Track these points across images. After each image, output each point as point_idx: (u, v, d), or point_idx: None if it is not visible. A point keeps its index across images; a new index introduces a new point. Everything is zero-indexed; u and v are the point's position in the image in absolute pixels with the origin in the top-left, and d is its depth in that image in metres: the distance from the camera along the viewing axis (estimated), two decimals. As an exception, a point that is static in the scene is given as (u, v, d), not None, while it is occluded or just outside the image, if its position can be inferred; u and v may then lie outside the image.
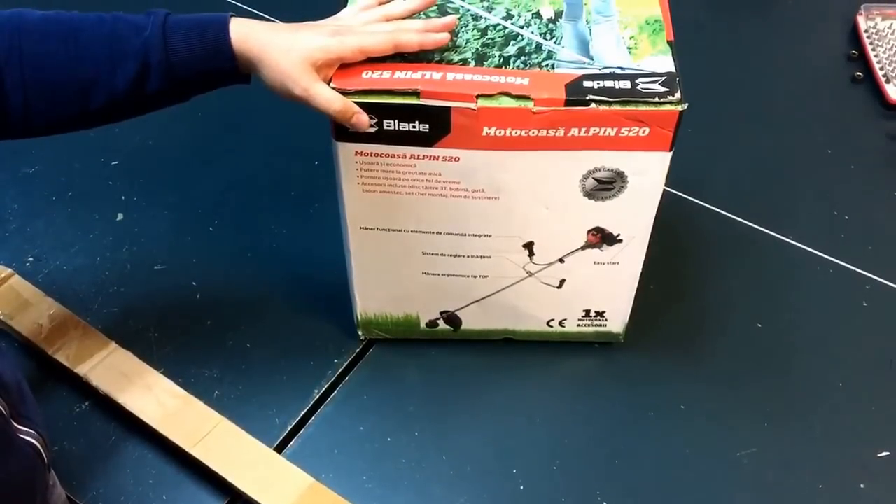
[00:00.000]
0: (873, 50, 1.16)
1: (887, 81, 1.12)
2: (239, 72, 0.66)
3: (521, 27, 0.70)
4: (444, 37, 0.67)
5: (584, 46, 0.68)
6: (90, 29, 0.64)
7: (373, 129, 0.66)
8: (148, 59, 0.64)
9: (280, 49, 0.64)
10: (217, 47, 0.64)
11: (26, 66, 0.62)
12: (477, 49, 0.68)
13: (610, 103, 0.64)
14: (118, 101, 0.65)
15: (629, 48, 0.68)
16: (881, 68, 1.14)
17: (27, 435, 0.61)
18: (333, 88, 0.65)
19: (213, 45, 0.64)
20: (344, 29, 0.67)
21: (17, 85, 0.62)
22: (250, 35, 0.65)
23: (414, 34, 0.67)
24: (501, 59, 0.67)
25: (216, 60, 0.65)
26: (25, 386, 0.65)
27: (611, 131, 0.66)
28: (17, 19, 0.63)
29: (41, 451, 0.62)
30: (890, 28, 1.18)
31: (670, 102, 0.64)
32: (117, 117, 0.67)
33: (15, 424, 0.60)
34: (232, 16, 0.66)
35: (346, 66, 0.66)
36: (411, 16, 0.70)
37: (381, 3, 0.71)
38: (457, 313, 0.83)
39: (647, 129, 0.65)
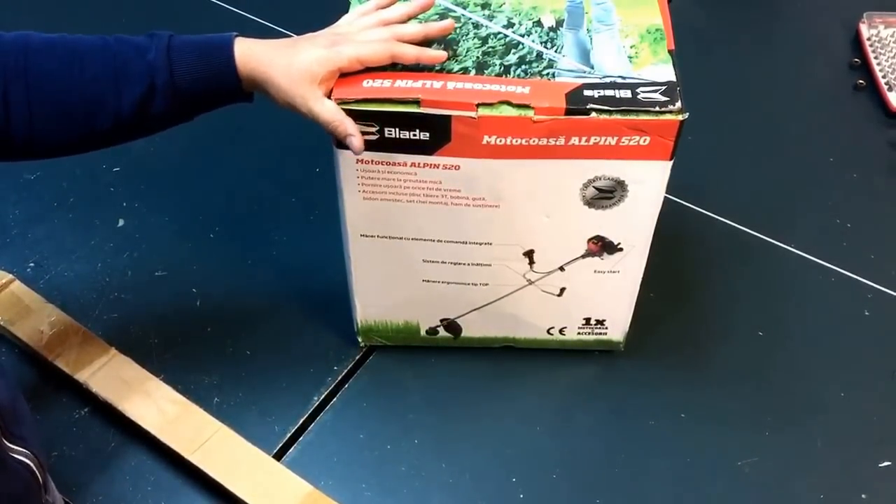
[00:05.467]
0: (876, 58, 1.16)
1: (890, 89, 1.12)
2: (243, 92, 0.67)
3: (522, 36, 0.70)
4: (441, 54, 0.67)
5: (584, 55, 0.68)
6: (95, 51, 0.64)
7: (373, 138, 0.66)
8: (153, 80, 0.64)
9: (281, 67, 0.64)
10: (222, 69, 0.65)
11: (32, 86, 0.62)
12: (477, 57, 0.68)
13: (610, 112, 0.64)
14: (123, 123, 0.65)
15: (630, 57, 0.68)
16: (883, 76, 1.14)
17: (20, 455, 0.60)
18: (335, 100, 0.65)
19: (217, 67, 0.64)
20: (340, 38, 0.66)
21: (23, 105, 0.62)
22: (253, 56, 0.65)
23: (411, 48, 0.66)
24: (502, 68, 0.67)
25: (221, 82, 0.65)
26: (22, 404, 0.64)
27: (611, 140, 0.66)
28: (22, 41, 0.64)
29: (35, 471, 0.61)
30: (892, 36, 1.18)
31: (671, 112, 0.64)
32: (121, 139, 0.67)
33: (7, 444, 0.59)
34: (236, 35, 0.66)
35: (347, 75, 0.66)
36: (409, 20, 0.70)
37: (379, 8, 0.70)
38: (457, 321, 0.83)
39: (648, 139, 0.65)
